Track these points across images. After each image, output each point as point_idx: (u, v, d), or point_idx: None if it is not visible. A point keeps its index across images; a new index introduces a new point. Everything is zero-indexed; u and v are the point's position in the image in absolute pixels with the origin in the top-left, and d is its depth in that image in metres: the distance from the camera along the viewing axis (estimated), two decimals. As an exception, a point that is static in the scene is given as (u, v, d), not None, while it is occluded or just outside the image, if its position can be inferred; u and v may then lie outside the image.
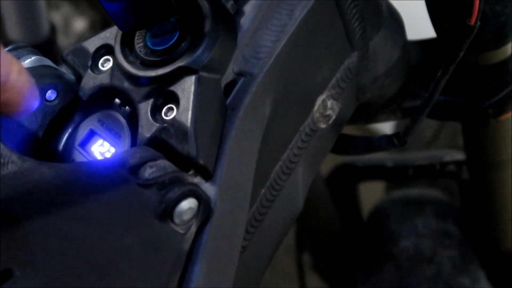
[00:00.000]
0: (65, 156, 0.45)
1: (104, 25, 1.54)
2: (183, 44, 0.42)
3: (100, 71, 0.45)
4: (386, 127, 1.19)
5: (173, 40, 0.43)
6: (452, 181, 0.85)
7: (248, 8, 0.44)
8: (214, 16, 0.42)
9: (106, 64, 0.45)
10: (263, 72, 0.43)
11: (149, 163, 0.39)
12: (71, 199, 0.36)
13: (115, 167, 0.39)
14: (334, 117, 0.50)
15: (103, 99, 0.45)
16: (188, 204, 0.38)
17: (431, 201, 0.86)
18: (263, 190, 0.46)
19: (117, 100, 0.44)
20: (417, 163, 0.82)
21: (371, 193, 0.98)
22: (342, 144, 0.56)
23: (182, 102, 0.41)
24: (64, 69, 0.47)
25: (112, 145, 0.44)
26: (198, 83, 0.41)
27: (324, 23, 0.47)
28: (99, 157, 0.44)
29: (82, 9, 1.56)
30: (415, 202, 0.86)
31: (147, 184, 0.38)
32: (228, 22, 0.43)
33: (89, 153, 0.44)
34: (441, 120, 0.58)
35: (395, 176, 0.83)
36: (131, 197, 0.38)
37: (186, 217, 0.38)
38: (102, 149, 0.44)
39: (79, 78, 0.46)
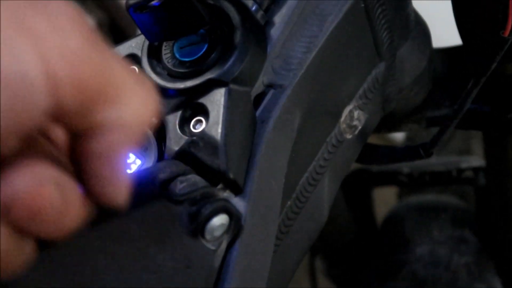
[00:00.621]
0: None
1: (112, 25, 1.53)
2: (212, 56, 0.41)
3: None
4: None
5: (202, 52, 0.42)
6: (467, 187, 0.85)
7: (278, 19, 0.43)
8: (244, 27, 0.42)
9: None
10: (293, 84, 0.42)
11: (180, 178, 0.38)
12: (101, 214, 0.36)
13: (145, 182, 0.38)
14: (360, 127, 0.49)
15: None
16: (220, 220, 0.37)
17: (447, 207, 0.85)
18: (289, 202, 0.46)
19: None
20: (434, 169, 0.81)
21: (383, 199, 0.97)
22: (366, 154, 0.55)
23: (212, 115, 0.40)
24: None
25: (137, 157, 0.43)
26: (228, 95, 0.40)
27: (354, 34, 0.46)
28: (125, 169, 0.43)
29: (90, 9, 1.55)
30: (430, 208, 0.85)
31: (178, 200, 0.37)
32: (258, 33, 0.42)
33: None
34: (465, 129, 0.57)
35: (411, 182, 0.82)
36: (162, 213, 0.37)
37: (218, 233, 0.38)
38: (127, 161, 0.44)
39: None
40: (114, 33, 1.49)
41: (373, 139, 0.55)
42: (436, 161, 0.83)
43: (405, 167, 0.82)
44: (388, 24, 0.48)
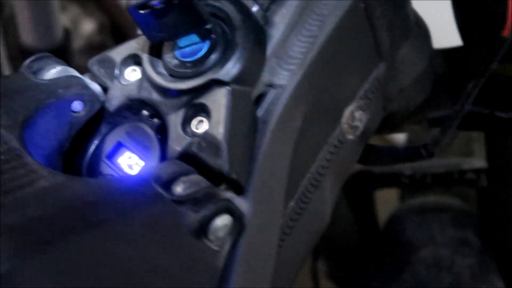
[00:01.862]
0: (92, 168, 0.44)
1: (113, 28, 1.53)
2: (213, 56, 0.42)
3: (128, 82, 0.44)
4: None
5: (203, 51, 0.42)
6: (469, 189, 0.85)
7: (278, 19, 0.43)
8: (245, 27, 0.42)
9: (133, 75, 0.44)
10: (294, 84, 0.42)
11: (182, 178, 0.38)
12: (104, 216, 0.36)
13: (147, 183, 0.38)
14: (361, 128, 0.49)
15: (130, 111, 0.44)
16: (223, 221, 0.37)
17: (449, 209, 0.85)
18: (291, 203, 0.46)
19: (145, 112, 0.43)
20: (436, 171, 0.81)
21: (385, 201, 0.97)
22: (368, 154, 0.55)
23: (214, 115, 0.40)
24: (88, 79, 0.46)
25: (140, 157, 0.43)
26: (230, 95, 0.40)
27: (354, 34, 0.46)
28: (127, 170, 0.43)
29: (91, 11, 1.55)
30: (432, 210, 0.85)
31: (180, 200, 0.37)
32: (258, 33, 0.42)
33: (117, 166, 0.44)
34: (466, 130, 0.57)
35: (413, 183, 0.82)
36: (165, 214, 0.37)
37: (221, 233, 0.38)
38: (130, 162, 0.44)
39: (104, 88, 0.45)
40: (116, 35, 1.49)
41: (374, 140, 0.55)
42: (437, 163, 0.83)
43: (407, 169, 0.82)
44: (388, 24, 0.48)
